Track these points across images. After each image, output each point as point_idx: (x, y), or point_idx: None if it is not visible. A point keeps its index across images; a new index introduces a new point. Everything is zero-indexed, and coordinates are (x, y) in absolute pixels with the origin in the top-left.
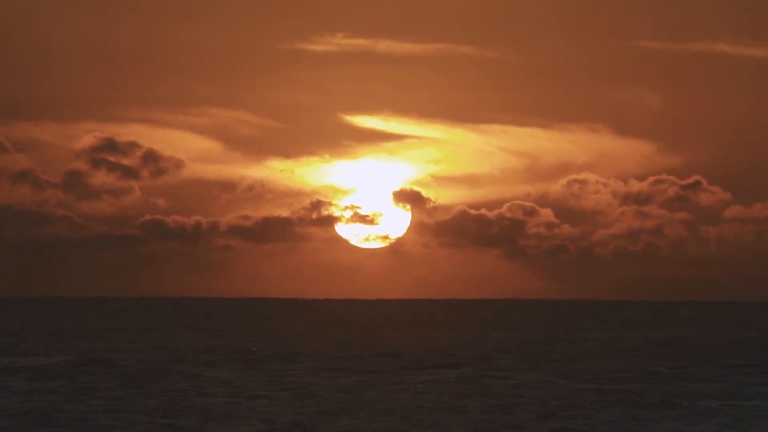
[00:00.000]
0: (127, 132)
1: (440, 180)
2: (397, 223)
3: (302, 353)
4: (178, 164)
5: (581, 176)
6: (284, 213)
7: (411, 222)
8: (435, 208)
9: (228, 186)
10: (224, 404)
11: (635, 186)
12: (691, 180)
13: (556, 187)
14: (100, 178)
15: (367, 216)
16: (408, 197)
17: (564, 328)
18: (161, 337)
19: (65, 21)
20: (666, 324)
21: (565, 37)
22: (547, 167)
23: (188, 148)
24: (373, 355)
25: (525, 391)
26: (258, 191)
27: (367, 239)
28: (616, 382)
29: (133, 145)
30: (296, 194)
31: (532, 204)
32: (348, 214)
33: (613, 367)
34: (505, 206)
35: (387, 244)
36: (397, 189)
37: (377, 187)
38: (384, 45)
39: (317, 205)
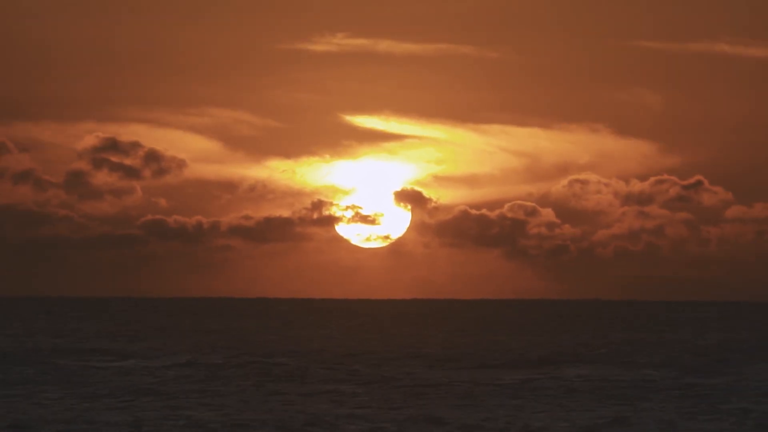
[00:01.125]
0: (128, 132)
1: (441, 180)
2: (398, 223)
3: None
4: (180, 164)
5: (583, 176)
6: (285, 213)
7: (412, 222)
8: (436, 208)
9: (229, 186)
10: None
11: (636, 186)
12: (692, 180)
13: (558, 187)
14: (102, 178)
15: (368, 216)
16: (409, 197)
17: (634, 329)
18: (287, 338)
19: (65, 21)
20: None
21: (565, 37)
22: (547, 167)
23: (188, 148)
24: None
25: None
26: (259, 191)
27: (368, 239)
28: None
29: (135, 145)
30: (297, 194)
31: (533, 204)
32: (349, 214)
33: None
34: (506, 206)
35: (388, 244)
36: (398, 189)
37: (378, 187)
38: (384, 45)
39: (318, 205)
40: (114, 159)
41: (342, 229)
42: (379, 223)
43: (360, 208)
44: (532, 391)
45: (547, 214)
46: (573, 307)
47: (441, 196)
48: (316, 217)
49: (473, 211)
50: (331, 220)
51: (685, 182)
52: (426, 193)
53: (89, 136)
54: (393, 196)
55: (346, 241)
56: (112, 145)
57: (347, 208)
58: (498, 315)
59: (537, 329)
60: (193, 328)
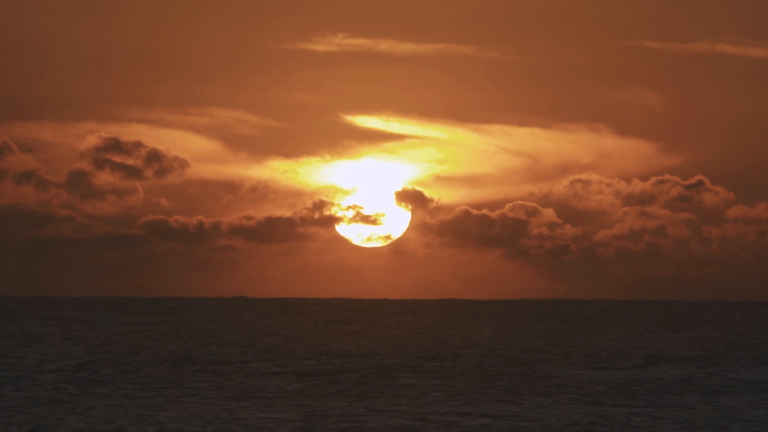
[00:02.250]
0: (129, 132)
1: (442, 180)
2: (399, 223)
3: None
4: (182, 164)
5: (584, 176)
6: (286, 213)
7: (413, 222)
8: (437, 208)
9: (230, 186)
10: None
11: (638, 186)
12: (693, 180)
13: (559, 187)
14: (104, 178)
15: (369, 216)
16: (410, 197)
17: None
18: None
19: (65, 21)
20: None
21: (566, 37)
22: (547, 167)
23: (189, 148)
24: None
25: None
26: (261, 192)
27: (369, 239)
28: None
29: (137, 145)
30: (298, 194)
31: (535, 204)
32: (350, 214)
33: None
34: (507, 206)
35: (389, 244)
36: (399, 189)
37: (379, 187)
38: (384, 45)
39: (319, 205)
40: (116, 159)
41: (343, 229)
42: (380, 223)
43: (361, 208)
44: (679, 389)
45: (549, 214)
46: (593, 307)
47: (442, 196)
48: (317, 217)
49: (474, 211)
50: (332, 220)
51: (687, 182)
52: (427, 193)
53: (91, 136)
54: (394, 196)
55: (347, 241)
56: (115, 145)
57: (348, 208)
58: (547, 314)
59: (608, 329)
60: (264, 328)
